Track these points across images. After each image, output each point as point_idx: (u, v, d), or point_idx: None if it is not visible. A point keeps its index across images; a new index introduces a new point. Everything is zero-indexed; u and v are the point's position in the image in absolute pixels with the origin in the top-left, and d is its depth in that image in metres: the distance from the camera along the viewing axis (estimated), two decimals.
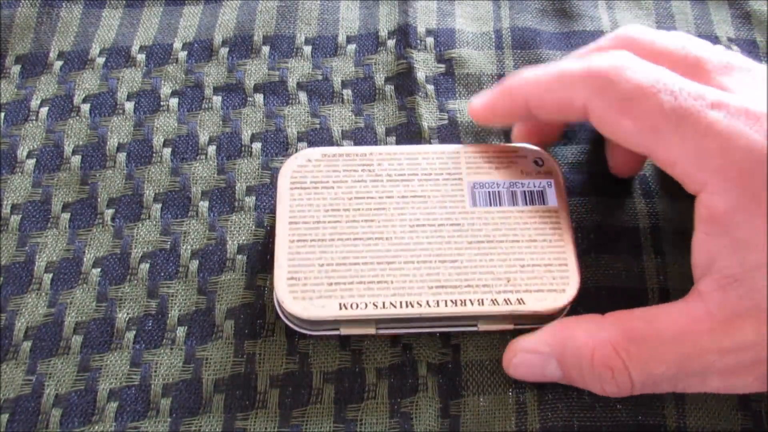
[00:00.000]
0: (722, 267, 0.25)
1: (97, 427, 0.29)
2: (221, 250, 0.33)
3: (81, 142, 0.35)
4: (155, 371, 0.30)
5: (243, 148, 0.35)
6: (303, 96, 0.37)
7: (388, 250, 0.30)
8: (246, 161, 0.35)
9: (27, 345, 0.31)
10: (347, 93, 0.37)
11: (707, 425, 0.29)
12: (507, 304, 0.29)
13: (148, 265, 0.32)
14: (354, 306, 0.29)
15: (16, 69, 0.38)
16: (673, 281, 0.31)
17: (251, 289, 0.31)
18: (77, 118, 0.36)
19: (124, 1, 0.40)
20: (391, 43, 0.38)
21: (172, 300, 0.31)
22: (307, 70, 0.38)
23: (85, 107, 0.36)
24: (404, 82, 0.37)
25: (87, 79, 0.37)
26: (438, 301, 0.29)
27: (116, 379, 0.30)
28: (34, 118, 0.36)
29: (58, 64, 0.38)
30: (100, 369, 0.30)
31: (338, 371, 0.30)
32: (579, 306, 0.31)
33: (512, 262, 0.30)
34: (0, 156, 0.35)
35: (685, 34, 0.30)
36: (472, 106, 0.32)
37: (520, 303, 0.29)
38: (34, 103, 0.37)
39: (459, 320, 0.30)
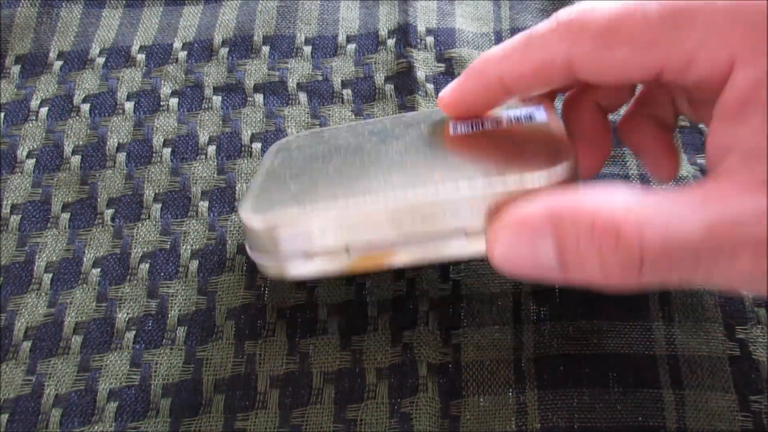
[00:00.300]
0: (749, 144, 0.21)
1: (97, 427, 0.29)
2: (221, 250, 0.33)
3: (81, 142, 0.35)
4: (155, 371, 0.30)
5: (243, 148, 0.35)
6: (303, 96, 0.37)
7: (361, 167, 0.27)
8: (246, 161, 0.35)
9: (27, 345, 0.31)
10: (347, 93, 0.37)
11: (707, 426, 0.29)
12: (499, 182, 0.24)
13: (148, 265, 0.32)
14: (316, 206, 0.25)
15: (16, 69, 0.38)
16: None
17: (251, 290, 0.31)
18: (77, 118, 0.36)
19: (124, 1, 0.40)
20: (391, 42, 0.38)
21: (172, 300, 0.31)
22: (307, 70, 0.38)
23: (85, 107, 0.36)
24: (404, 81, 0.37)
25: (87, 79, 0.37)
26: (411, 193, 0.25)
27: (116, 379, 0.30)
28: (34, 118, 0.36)
29: (58, 64, 0.38)
30: (100, 369, 0.30)
31: (338, 371, 0.30)
32: (578, 305, 0.31)
33: (498, 154, 0.26)
34: (0, 156, 0.35)
35: None
36: (441, 97, 0.29)
37: (515, 181, 0.24)
38: (34, 103, 0.37)
39: (442, 231, 0.25)
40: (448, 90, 0.28)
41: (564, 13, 0.25)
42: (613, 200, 0.22)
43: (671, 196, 0.21)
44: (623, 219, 0.21)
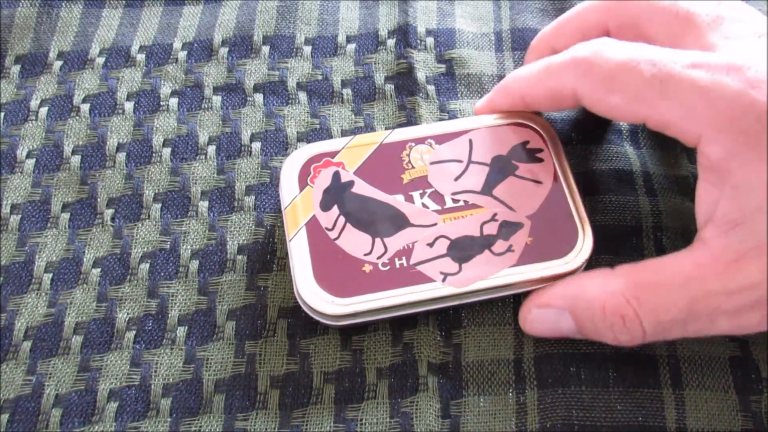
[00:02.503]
0: (723, 213, 0.26)
1: (97, 427, 0.29)
2: (221, 250, 0.33)
3: (81, 142, 0.35)
4: (155, 371, 0.30)
5: (243, 148, 0.35)
6: (303, 96, 0.37)
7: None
8: (246, 161, 0.35)
9: (27, 345, 0.31)
10: (347, 92, 0.37)
11: (707, 426, 0.29)
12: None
13: (148, 265, 0.32)
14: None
15: (15, 69, 0.38)
16: None
17: (252, 290, 0.31)
18: (77, 118, 0.36)
19: (124, 1, 0.40)
20: (391, 42, 0.38)
21: (172, 300, 0.31)
22: (307, 70, 0.38)
23: (85, 107, 0.36)
24: (404, 82, 0.37)
25: (87, 79, 0.37)
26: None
27: (116, 379, 0.30)
28: (33, 118, 0.36)
29: (58, 64, 0.38)
30: (100, 369, 0.30)
31: (338, 371, 0.30)
32: None
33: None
34: (0, 156, 0.35)
35: None
36: (477, 108, 0.34)
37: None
38: (34, 103, 0.37)
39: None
40: (481, 103, 0.34)
41: (580, 50, 0.29)
42: (615, 291, 0.27)
43: (660, 279, 0.27)
44: (626, 307, 0.27)
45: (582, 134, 0.35)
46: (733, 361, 0.30)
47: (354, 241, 0.30)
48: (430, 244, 0.30)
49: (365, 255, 0.30)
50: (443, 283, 0.29)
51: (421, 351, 0.30)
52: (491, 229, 0.30)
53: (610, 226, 0.33)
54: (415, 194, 0.31)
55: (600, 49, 0.28)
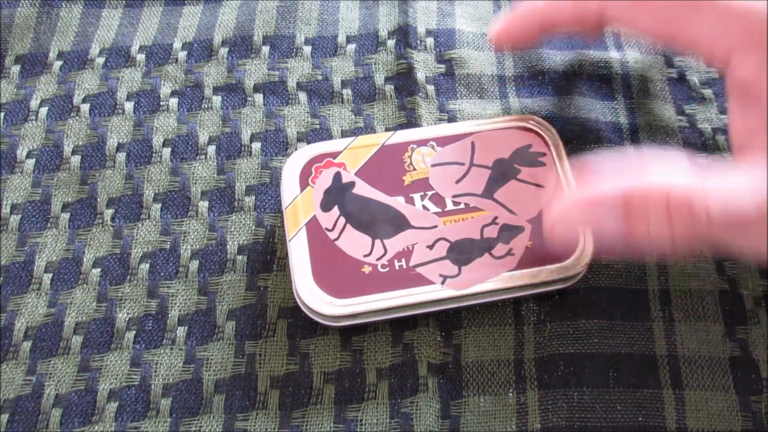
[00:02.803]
0: (764, 130, 0.26)
1: (97, 427, 0.29)
2: (221, 250, 0.33)
3: (81, 142, 0.35)
4: (155, 371, 0.30)
5: (243, 148, 0.35)
6: (303, 96, 0.37)
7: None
8: (246, 161, 0.35)
9: (27, 345, 0.31)
10: (347, 93, 0.37)
11: (707, 426, 0.29)
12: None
13: (148, 265, 0.32)
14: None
15: (15, 69, 0.38)
16: (674, 281, 0.31)
17: (252, 290, 0.31)
18: (77, 118, 0.36)
19: (124, 1, 0.40)
20: (391, 43, 0.38)
21: (172, 300, 0.31)
22: (307, 70, 0.38)
23: (85, 107, 0.36)
24: (404, 82, 0.37)
25: (87, 79, 0.37)
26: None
27: (116, 379, 0.30)
28: (33, 118, 0.36)
29: (58, 64, 0.38)
30: (100, 369, 0.30)
31: (338, 371, 0.30)
32: (578, 306, 0.31)
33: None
34: (0, 156, 0.35)
35: None
36: (494, 30, 0.33)
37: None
38: (34, 103, 0.37)
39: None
40: (500, 24, 0.33)
41: None
42: (680, 179, 0.25)
43: (725, 177, 0.25)
44: (693, 196, 0.24)
45: (582, 134, 0.35)
46: (733, 361, 0.30)
47: (354, 242, 0.30)
48: (430, 246, 0.30)
49: (365, 256, 0.30)
50: (442, 286, 0.29)
51: (421, 351, 0.30)
52: (491, 232, 0.30)
53: None
54: (416, 196, 0.31)
55: None
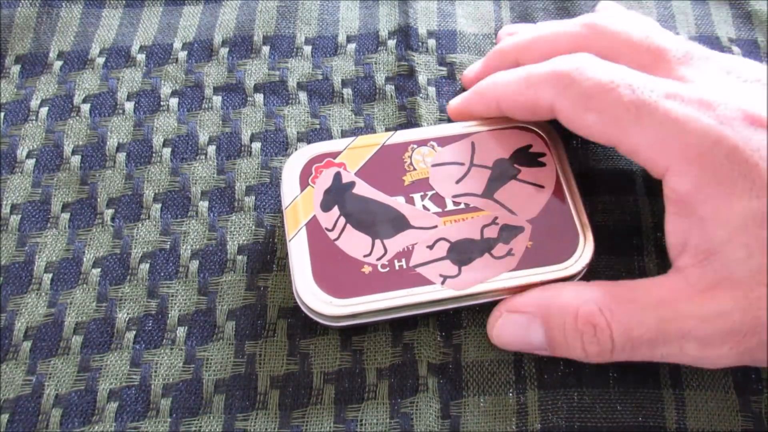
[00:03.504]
0: (696, 244, 0.27)
1: (97, 427, 0.29)
2: (221, 250, 0.33)
3: (81, 142, 0.35)
4: (155, 371, 0.30)
5: (243, 148, 0.35)
6: (303, 96, 0.37)
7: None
8: (246, 161, 0.35)
9: (27, 345, 0.31)
10: (347, 92, 0.37)
11: (707, 426, 0.29)
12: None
13: (148, 265, 0.32)
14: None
15: (15, 69, 0.38)
16: None
17: (252, 290, 0.31)
18: (77, 118, 0.36)
19: (124, 1, 0.40)
20: (391, 43, 0.38)
21: (172, 300, 0.31)
22: (307, 70, 0.38)
23: (85, 107, 0.36)
24: (405, 83, 0.37)
25: (87, 79, 0.37)
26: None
27: (116, 379, 0.30)
28: (33, 118, 0.36)
29: (58, 64, 0.38)
30: (100, 369, 0.30)
31: (338, 371, 0.30)
32: None
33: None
34: (0, 156, 0.35)
35: (649, 23, 0.31)
36: (450, 107, 0.35)
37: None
38: (34, 103, 0.37)
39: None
40: (456, 103, 0.34)
41: (561, 64, 0.29)
42: (589, 298, 0.27)
43: (634, 296, 0.27)
44: (598, 316, 0.27)
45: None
46: None
47: (354, 242, 0.30)
48: (430, 247, 0.30)
49: (365, 256, 0.30)
50: (442, 286, 0.29)
51: (421, 351, 0.30)
52: (492, 232, 0.30)
53: (609, 226, 0.33)
54: (416, 196, 0.31)
55: (582, 66, 0.29)
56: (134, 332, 0.31)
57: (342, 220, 0.31)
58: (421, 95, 0.36)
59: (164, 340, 0.31)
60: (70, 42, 0.39)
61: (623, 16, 0.32)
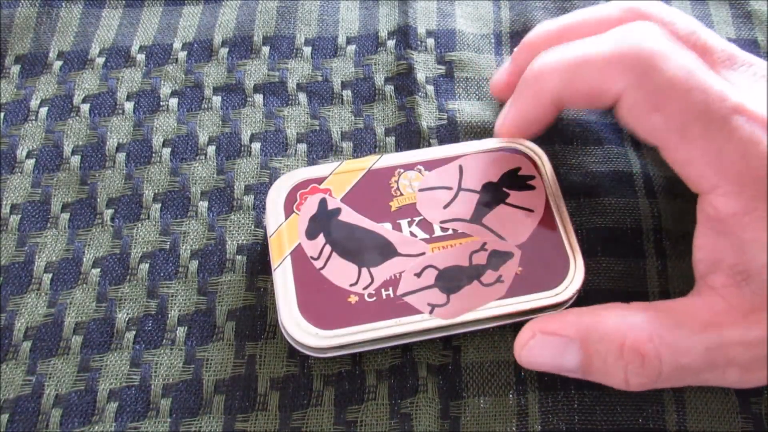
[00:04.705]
0: (731, 264, 0.26)
1: (97, 428, 0.29)
2: (221, 250, 0.33)
3: (80, 142, 0.35)
4: (155, 371, 0.30)
5: (242, 148, 0.35)
6: (303, 97, 0.37)
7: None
8: (245, 161, 0.35)
9: (27, 345, 0.31)
10: (347, 94, 0.37)
11: (708, 428, 0.29)
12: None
13: (147, 266, 0.32)
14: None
15: (15, 69, 0.38)
16: (674, 284, 0.31)
17: (252, 291, 0.31)
18: (77, 118, 0.36)
19: (124, 1, 0.40)
20: (391, 43, 0.38)
21: (172, 300, 0.31)
22: (306, 71, 0.38)
23: (85, 107, 0.36)
24: (404, 82, 0.37)
25: (87, 79, 0.37)
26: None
27: (116, 379, 0.30)
28: (33, 118, 0.36)
29: (58, 64, 0.38)
30: (100, 369, 0.30)
31: (338, 373, 0.30)
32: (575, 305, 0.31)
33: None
34: (0, 156, 0.35)
35: (693, 19, 0.30)
36: (504, 128, 0.32)
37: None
38: (34, 103, 0.37)
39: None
40: (503, 117, 0.32)
41: (631, 42, 0.26)
42: (635, 325, 0.26)
43: (678, 321, 0.26)
44: (647, 344, 0.25)
45: (582, 135, 0.35)
46: None
47: (340, 271, 0.30)
48: (418, 275, 0.30)
49: (351, 285, 0.29)
50: (431, 315, 0.29)
51: (420, 353, 0.30)
52: (480, 258, 0.30)
53: (610, 228, 0.33)
54: (403, 222, 0.31)
55: (659, 50, 0.26)
56: (134, 332, 0.31)
57: (327, 248, 0.30)
58: (419, 94, 0.36)
59: (164, 341, 0.31)
60: (70, 42, 0.39)
61: (665, 6, 0.30)
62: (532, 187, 0.32)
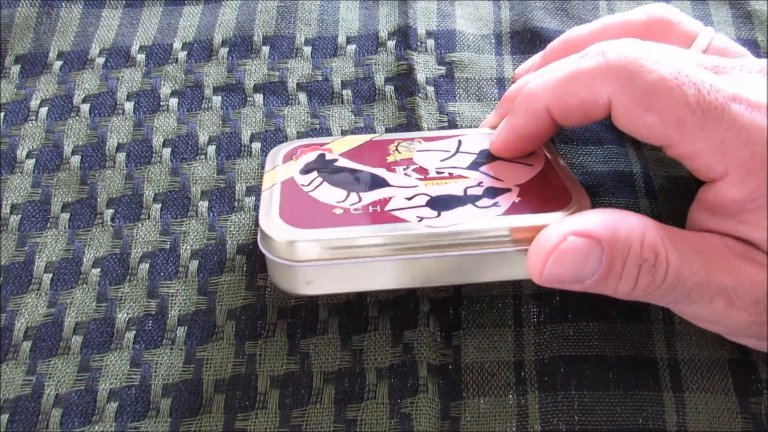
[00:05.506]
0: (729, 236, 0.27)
1: (97, 428, 0.29)
2: (221, 250, 0.33)
3: (81, 142, 0.35)
4: (155, 371, 0.30)
5: (242, 148, 0.35)
6: (303, 96, 0.37)
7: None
8: (245, 161, 0.35)
9: (27, 345, 0.31)
10: (347, 93, 0.37)
11: (708, 428, 0.29)
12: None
13: (147, 265, 0.32)
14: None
15: (15, 69, 0.38)
16: None
17: (252, 290, 0.31)
18: (77, 118, 0.36)
19: (124, 1, 0.40)
20: (391, 43, 0.38)
21: (172, 300, 0.31)
22: (307, 71, 0.38)
23: (85, 107, 0.36)
24: (404, 82, 0.37)
25: (87, 79, 0.37)
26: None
27: (116, 379, 0.30)
28: (33, 118, 0.36)
29: (58, 64, 0.38)
30: (100, 369, 0.30)
31: (338, 371, 0.30)
32: (578, 308, 0.31)
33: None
34: (0, 156, 0.35)
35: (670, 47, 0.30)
36: (496, 145, 0.31)
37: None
38: (34, 103, 0.37)
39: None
40: (501, 135, 0.31)
41: (612, 54, 0.27)
42: (651, 227, 0.26)
43: (684, 238, 0.26)
44: (661, 245, 0.26)
45: (582, 135, 0.35)
46: (732, 364, 0.30)
47: (328, 193, 0.29)
48: (409, 198, 0.28)
49: (338, 202, 0.28)
50: (419, 223, 0.27)
51: (420, 352, 0.30)
52: (476, 191, 0.29)
53: None
54: (398, 168, 0.31)
55: (639, 56, 0.26)
56: (134, 332, 0.31)
57: (319, 179, 0.30)
58: (420, 95, 0.36)
59: (164, 340, 0.31)
60: (70, 42, 0.39)
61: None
62: (530, 164, 0.31)
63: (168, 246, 0.33)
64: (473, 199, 0.28)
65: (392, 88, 0.37)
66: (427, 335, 0.30)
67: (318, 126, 0.36)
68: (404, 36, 0.38)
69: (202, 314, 0.31)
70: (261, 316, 0.31)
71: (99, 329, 0.31)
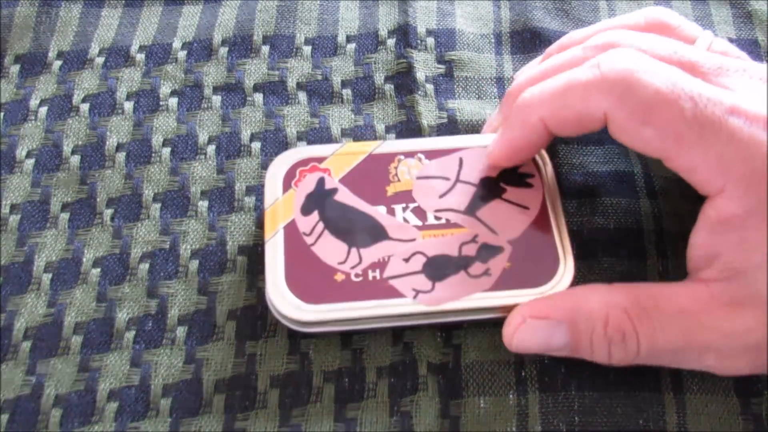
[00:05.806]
0: (727, 261, 0.26)
1: (96, 428, 0.29)
2: (221, 250, 0.32)
3: (80, 142, 0.35)
4: (155, 371, 0.30)
5: (242, 148, 0.35)
6: (303, 96, 0.37)
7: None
8: (245, 161, 0.35)
9: (27, 345, 0.31)
10: (347, 92, 0.37)
11: (708, 429, 0.29)
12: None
13: (147, 265, 0.32)
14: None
15: (15, 69, 0.38)
16: None
17: (252, 291, 0.31)
18: (76, 117, 0.36)
19: (124, 1, 0.40)
20: (391, 42, 0.38)
21: (172, 300, 0.31)
22: (306, 70, 0.38)
23: (85, 107, 0.36)
24: (404, 81, 0.37)
25: (86, 78, 0.37)
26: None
27: (116, 379, 0.30)
28: (33, 117, 0.36)
29: (58, 63, 0.38)
30: (100, 369, 0.30)
31: (338, 370, 0.30)
32: None
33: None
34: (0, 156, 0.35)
35: (672, 41, 0.30)
36: (493, 156, 0.32)
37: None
38: (33, 102, 0.36)
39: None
40: (497, 148, 0.31)
41: (608, 67, 0.27)
42: (617, 304, 0.27)
43: (658, 304, 0.27)
44: (627, 323, 0.27)
45: (583, 135, 0.35)
46: None
47: (330, 248, 0.30)
48: (406, 260, 0.30)
49: (339, 264, 0.30)
50: (414, 300, 0.29)
51: (421, 351, 0.30)
52: (470, 250, 0.30)
53: (611, 228, 0.33)
54: (398, 207, 0.31)
55: (635, 68, 0.26)
56: (134, 332, 0.31)
57: (320, 225, 0.31)
58: (419, 93, 0.36)
59: (164, 340, 0.31)
60: (70, 42, 0.39)
61: (639, 34, 0.30)
62: (530, 185, 0.32)
63: (168, 246, 0.33)
64: (466, 263, 0.30)
65: (392, 86, 0.37)
66: (427, 334, 0.30)
67: (318, 125, 0.36)
68: (404, 34, 0.38)
69: (202, 314, 0.31)
70: (261, 316, 0.31)
71: (99, 329, 0.31)
